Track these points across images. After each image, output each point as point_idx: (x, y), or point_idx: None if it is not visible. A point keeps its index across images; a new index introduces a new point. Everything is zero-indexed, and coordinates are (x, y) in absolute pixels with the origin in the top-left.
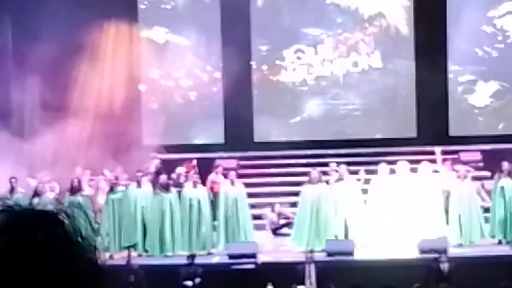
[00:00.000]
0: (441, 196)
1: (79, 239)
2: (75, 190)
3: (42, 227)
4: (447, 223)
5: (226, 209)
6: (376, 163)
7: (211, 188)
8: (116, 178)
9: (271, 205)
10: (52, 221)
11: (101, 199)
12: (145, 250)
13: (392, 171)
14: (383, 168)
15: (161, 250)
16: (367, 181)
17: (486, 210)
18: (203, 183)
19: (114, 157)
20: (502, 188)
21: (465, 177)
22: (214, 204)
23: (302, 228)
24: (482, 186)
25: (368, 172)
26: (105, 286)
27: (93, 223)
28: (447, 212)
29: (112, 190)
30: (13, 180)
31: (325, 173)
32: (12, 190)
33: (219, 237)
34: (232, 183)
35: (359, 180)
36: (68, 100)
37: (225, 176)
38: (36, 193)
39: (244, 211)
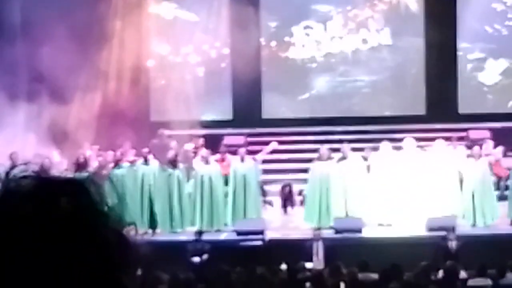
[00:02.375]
0: (453, 174)
1: (105, 208)
2: (81, 166)
3: (67, 194)
4: (460, 202)
5: (235, 186)
6: (384, 140)
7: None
8: (122, 154)
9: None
10: (77, 189)
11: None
12: (152, 227)
13: (399, 148)
14: (385, 145)
15: (171, 226)
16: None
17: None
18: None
19: (122, 133)
20: None
21: (480, 156)
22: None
23: (313, 206)
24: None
25: (375, 149)
26: (130, 258)
27: (121, 196)
28: (459, 191)
29: (116, 165)
30: (14, 155)
31: (336, 150)
32: (13, 166)
33: (227, 213)
34: (242, 159)
35: (365, 158)
36: (76, 76)
37: (234, 153)
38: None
39: (253, 188)
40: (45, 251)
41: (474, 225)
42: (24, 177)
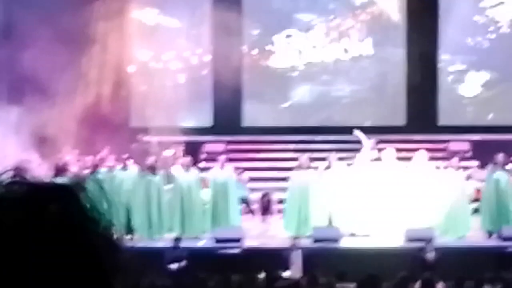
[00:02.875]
0: (432, 186)
1: (95, 214)
2: (60, 170)
3: (55, 200)
4: (436, 213)
5: (214, 193)
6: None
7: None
8: (101, 160)
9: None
10: (66, 194)
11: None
12: (129, 233)
13: (378, 159)
14: (361, 156)
15: (149, 233)
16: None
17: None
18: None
19: (102, 138)
20: (497, 180)
21: (458, 168)
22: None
23: (292, 214)
24: (469, 177)
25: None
26: (121, 265)
27: (111, 201)
28: (437, 202)
29: (94, 171)
30: None
31: (316, 159)
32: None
33: (206, 220)
34: (222, 167)
35: (347, 166)
36: (57, 80)
37: (214, 160)
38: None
39: (232, 196)
40: (35, 257)
41: (448, 236)
42: (13, 182)
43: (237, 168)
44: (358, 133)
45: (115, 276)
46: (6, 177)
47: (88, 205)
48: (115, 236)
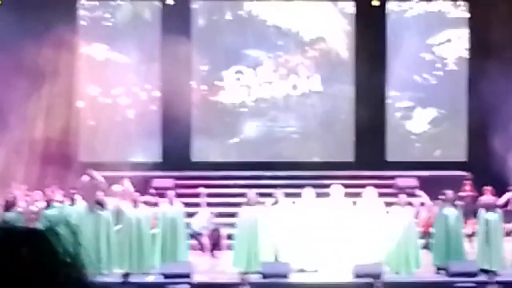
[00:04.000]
0: (380, 222)
1: (66, 257)
2: (10, 205)
3: (27, 244)
4: (384, 249)
5: (163, 229)
6: (313, 186)
7: None
8: (50, 194)
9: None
10: (38, 239)
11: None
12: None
13: (325, 195)
14: (309, 191)
15: (97, 268)
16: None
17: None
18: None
19: (50, 173)
20: (446, 216)
21: (405, 204)
22: None
23: (241, 250)
24: (417, 214)
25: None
26: None
27: (81, 241)
28: (385, 238)
29: (48, 206)
30: None
31: (265, 194)
32: None
33: (155, 256)
34: (171, 202)
35: (295, 202)
36: (5, 114)
37: (162, 196)
38: None
39: (181, 231)
40: None
41: (397, 273)
42: None
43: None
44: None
45: None
46: None
47: (60, 249)
48: (87, 279)
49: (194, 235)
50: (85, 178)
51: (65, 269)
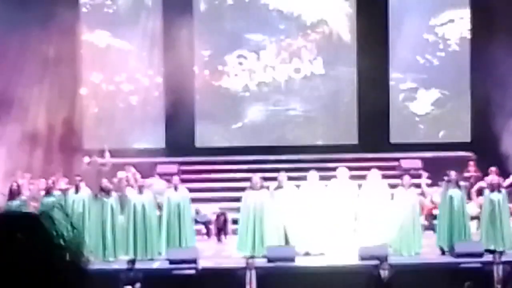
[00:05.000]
0: (384, 203)
1: (61, 241)
2: (14, 194)
3: (22, 229)
4: (389, 231)
5: (168, 214)
6: (317, 169)
7: None
8: (53, 183)
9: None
10: (33, 223)
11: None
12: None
13: (329, 177)
14: (313, 174)
15: (103, 255)
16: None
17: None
18: None
19: (54, 161)
20: (451, 197)
21: (409, 186)
22: None
23: (245, 235)
24: (422, 194)
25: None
26: None
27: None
28: (389, 220)
29: (48, 194)
30: None
31: (269, 178)
32: None
33: (161, 242)
34: (175, 188)
35: (298, 186)
36: (8, 103)
37: (168, 181)
38: None
39: (186, 216)
40: (2, 284)
41: (401, 254)
42: None
43: None
44: None
45: None
46: None
47: (54, 233)
48: (82, 262)
49: (200, 222)
50: (90, 164)
51: (59, 251)
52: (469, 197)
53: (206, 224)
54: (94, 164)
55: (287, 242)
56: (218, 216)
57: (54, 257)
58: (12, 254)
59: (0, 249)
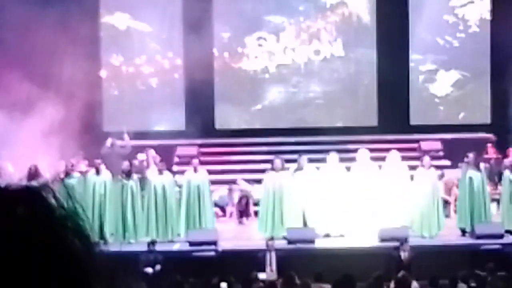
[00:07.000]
0: (405, 185)
1: (64, 215)
2: (32, 177)
3: (23, 203)
4: (409, 212)
5: (188, 196)
6: (337, 151)
7: None
8: (72, 165)
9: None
10: (34, 197)
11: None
12: (102, 238)
13: (349, 159)
14: (333, 157)
15: (124, 237)
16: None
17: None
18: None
19: (75, 143)
20: (470, 178)
21: (429, 166)
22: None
23: (266, 216)
24: (442, 176)
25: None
26: (98, 264)
27: (81, 204)
28: (410, 201)
29: (67, 176)
30: None
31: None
32: None
33: (180, 224)
34: (195, 170)
35: (318, 168)
36: (28, 86)
37: (187, 163)
38: None
39: (206, 198)
40: (2, 260)
41: (422, 236)
42: None
43: None
44: None
45: (89, 278)
46: None
47: (57, 207)
48: (88, 238)
49: (219, 205)
50: (110, 147)
51: (62, 227)
52: (490, 179)
53: (223, 207)
54: (114, 147)
55: (305, 224)
56: (240, 199)
57: (57, 232)
58: (13, 228)
59: (1, 224)
